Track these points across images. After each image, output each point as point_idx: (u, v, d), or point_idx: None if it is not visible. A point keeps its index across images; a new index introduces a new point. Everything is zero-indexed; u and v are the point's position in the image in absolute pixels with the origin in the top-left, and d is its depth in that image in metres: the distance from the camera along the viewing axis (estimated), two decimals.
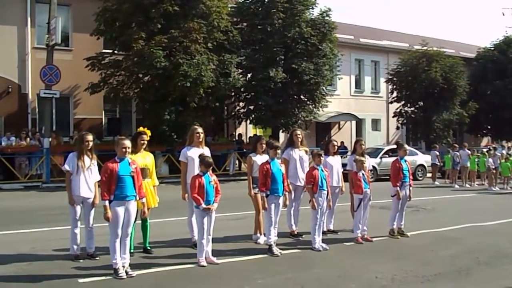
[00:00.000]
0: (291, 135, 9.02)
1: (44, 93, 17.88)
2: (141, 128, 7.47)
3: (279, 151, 7.62)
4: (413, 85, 27.03)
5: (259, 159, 7.86)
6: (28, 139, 17.88)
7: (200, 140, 7.59)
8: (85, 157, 6.87)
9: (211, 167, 6.86)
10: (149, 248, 7.34)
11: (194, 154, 7.31)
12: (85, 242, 6.91)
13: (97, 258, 6.82)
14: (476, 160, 19.58)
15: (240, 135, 23.51)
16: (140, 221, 7.07)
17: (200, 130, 7.64)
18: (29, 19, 20.35)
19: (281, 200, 7.45)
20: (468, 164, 19.58)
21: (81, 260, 6.75)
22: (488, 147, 22.47)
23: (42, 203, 13.27)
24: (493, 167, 18.76)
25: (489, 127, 32.02)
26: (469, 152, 19.88)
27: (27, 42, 20.40)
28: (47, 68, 17.82)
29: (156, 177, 7.49)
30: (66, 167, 6.87)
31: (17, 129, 18.38)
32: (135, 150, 6.91)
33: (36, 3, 20.46)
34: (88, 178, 6.82)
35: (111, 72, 18.88)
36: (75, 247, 6.85)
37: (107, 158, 6.54)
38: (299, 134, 8.80)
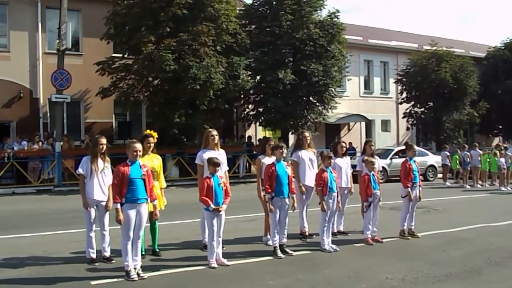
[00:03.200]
0: (299, 137, 9.03)
1: (56, 98, 18.08)
2: (147, 131, 7.52)
3: (285, 151, 7.59)
4: (422, 86, 26.90)
5: (268, 160, 7.88)
6: (41, 143, 18.05)
7: (216, 142, 7.60)
8: (99, 160, 6.93)
9: (218, 167, 6.89)
10: (157, 250, 7.39)
11: (209, 156, 7.32)
12: (101, 245, 6.94)
13: (113, 261, 6.84)
14: (488, 160, 19.44)
15: (249, 137, 23.55)
16: (148, 224, 7.12)
17: (214, 132, 7.66)
18: (39, 24, 20.58)
19: (287, 202, 7.42)
20: (479, 165, 19.45)
21: (96, 264, 6.80)
22: (501, 146, 22.28)
23: (54, 206, 13.41)
24: (504, 167, 18.62)
25: (500, 126, 31.75)
26: (480, 152, 19.75)
27: (38, 48, 20.63)
28: (58, 73, 18.02)
29: (163, 179, 7.54)
30: (80, 170, 6.93)
31: (29, 134, 18.59)
32: (142, 153, 6.95)
33: (46, 8, 20.69)
34: (101, 181, 6.86)
35: (121, 76, 19.04)
36: (90, 250, 6.89)
37: (118, 162, 6.62)
38: (307, 136, 8.81)
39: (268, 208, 7.39)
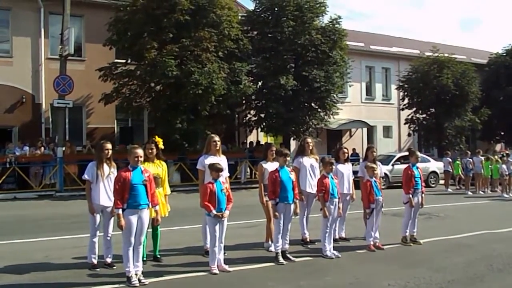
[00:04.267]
0: (301, 143, 9.03)
1: (58, 103, 18.10)
2: (156, 138, 7.50)
3: (288, 158, 7.60)
4: (424, 92, 26.89)
5: (270, 166, 7.87)
6: (43, 148, 18.06)
7: (217, 148, 7.63)
8: (105, 166, 6.91)
9: (221, 172, 6.89)
10: (159, 256, 7.38)
11: (211, 162, 7.33)
12: (103, 251, 6.92)
13: (114, 267, 6.83)
14: (490, 166, 19.39)
15: (252, 143, 23.55)
16: (150, 229, 7.11)
17: (217, 138, 7.69)
18: (42, 30, 20.64)
19: (291, 208, 7.42)
20: (482, 171, 19.41)
21: (98, 269, 6.78)
22: (502, 153, 22.27)
23: (56, 211, 13.40)
24: (507, 173, 18.58)
25: (502, 133, 31.71)
26: (482, 158, 19.71)
27: (40, 53, 20.67)
28: (60, 78, 18.05)
29: (168, 186, 7.54)
30: (86, 176, 6.89)
31: (31, 139, 18.59)
32: (146, 159, 6.96)
33: (49, 14, 20.76)
34: (107, 187, 6.81)
35: (123, 82, 19.06)
36: (92, 256, 6.87)
37: (120, 167, 6.62)
38: (309, 142, 8.80)
39: (272, 214, 7.38)
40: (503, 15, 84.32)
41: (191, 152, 19.02)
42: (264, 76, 20.69)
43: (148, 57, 17.54)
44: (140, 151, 6.36)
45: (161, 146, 7.38)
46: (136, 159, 6.27)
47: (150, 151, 7.20)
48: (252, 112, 22.40)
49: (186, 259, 7.45)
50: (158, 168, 7.25)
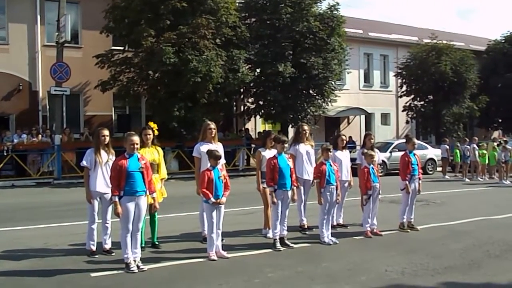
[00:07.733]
0: (297, 130, 9.03)
1: (55, 90, 18.04)
2: (151, 123, 7.51)
3: (286, 145, 7.60)
4: (422, 79, 26.85)
5: (268, 154, 7.87)
6: (40, 136, 18.04)
7: (213, 135, 7.64)
8: (102, 152, 6.89)
9: (220, 160, 6.89)
10: (157, 243, 7.41)
11: (206, 149, 7.33)
12: (102, 237, 6.92)
13: (113, 254, 6.84)
14: (485, 153, 19.39)
15: (247, 129, 23.52)
16: (148, 216, 7.12)
17: (212, 126, 7.70)
18: (38, 17, 20.52)
19: (289, 195, 7.42)
20: (477, 158, 19.44)
21: (96, 256, 6.80)
22: (499, 140, 22.29)
23: (54, 199, 13.42)
24: (504, 160, 18.61)
25: (500, 120, 31.75)
26: (474, 145, 19.73)
27: (37, 40, 20.57)
28: (57, 66, 17.98)
29: (165, 170, 7.54)
30: (84, 162, 6.87)
31: (28, 127, 18.56)
32: (142, 145, 6.96)
33: (45, 0, 20.63)
34: (105, 174, 6.78)
35: (120, 69, 18.97)
36: (91, 242, 6.88)
37: (117, 155, 6.62)
38: (306, 129, 8.81)
39: (271, 201, 7.39)
40: (501, 2, 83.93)
41: (189, 139, 18.99)
42: (262, 63, 20.61)
43: (145, 45, 17.44)
44: (136, 138, 6.33)
45: (156, 132, 7.38)
46: (132, 146, 6.24)
47: (147, 136, 7.20)
48: (250, 99, 22.36)
49: (184, 245, 7.47)
50: (154, 153, 7.25)
